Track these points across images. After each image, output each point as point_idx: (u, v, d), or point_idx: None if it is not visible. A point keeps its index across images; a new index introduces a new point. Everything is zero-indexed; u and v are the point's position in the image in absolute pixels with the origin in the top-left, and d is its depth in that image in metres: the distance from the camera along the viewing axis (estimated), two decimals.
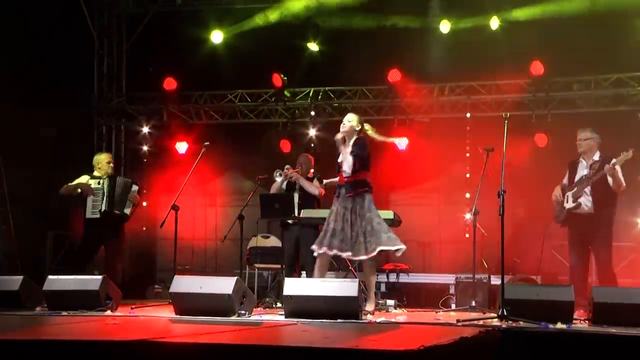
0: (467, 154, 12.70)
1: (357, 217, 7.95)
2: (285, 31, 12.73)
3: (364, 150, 8.07)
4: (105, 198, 9.77)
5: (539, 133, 12.29)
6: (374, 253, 7.89)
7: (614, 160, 8.49)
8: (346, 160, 8.11)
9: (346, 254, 7.98)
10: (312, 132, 13.35)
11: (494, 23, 12.27)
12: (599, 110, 12.12)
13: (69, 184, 9.85)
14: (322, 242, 8.03)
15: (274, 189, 9.90)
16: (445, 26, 12.54)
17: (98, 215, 9.78)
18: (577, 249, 8.82)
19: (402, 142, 13.01)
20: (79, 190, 9.78)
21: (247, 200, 9.88)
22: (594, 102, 12.34)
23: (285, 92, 13.36)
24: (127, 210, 9.97)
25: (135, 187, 10.08)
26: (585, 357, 5.79)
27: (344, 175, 8.11)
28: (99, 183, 9.83)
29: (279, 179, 9.80)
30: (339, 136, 8.12)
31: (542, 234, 10.96)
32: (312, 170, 10.05)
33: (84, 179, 9.89)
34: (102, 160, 10.02)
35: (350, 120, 8.16)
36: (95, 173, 9.96)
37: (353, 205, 7.99)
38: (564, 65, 12.01)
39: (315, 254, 8.11)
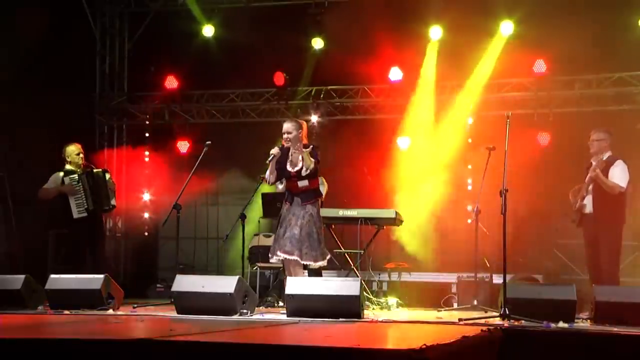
0: (469, 153, 12.69)
1: (305, 224, 8.01)
2: (288, 30, 12.74)
3: (316, 160, 8.13)
4: (89, 196, 9.70)
5: (541, 132, 12.31)
6: (315, 264, 8.03)
7: (593, 165, 8.56)
8: (298, 169, 8.12)
9: (283, 256, 8.02)
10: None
11: (507, 28, 12.30)
12: (601, 109, 12.10)
13: (46, 186, 9.77)
14: (272, 251, 8.17)
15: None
16: (436, 32, 12.57)
17: (86, 214, 9.71)
18: (589, 248, 8.80)
19: (404, 142, 13.05)
20: (60, 191, 9.74)
21: (249, 199, 9.87)
22: (596, 101, 12.34)
23: (287, 91, 13.39)
24: (113, 201, 9.98)
25: (108, 175, 10.02)
26: (587, 356, 5.83)
27: (300, 185, 8.14)
28: (77, 181, 9.72)
29: (280, 186, 9.77)
30: (274, 151, 8.16)
31: (544, 233, 11.03)
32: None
33: (58, 176, 9.76)
34: (72, 153, 9.84)
35: (291, 131, 8.16)
36: (67, 167, 9.82)
37: (303, 213, 8.06)
38: (566, 64, 12.05)
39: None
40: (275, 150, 8.12)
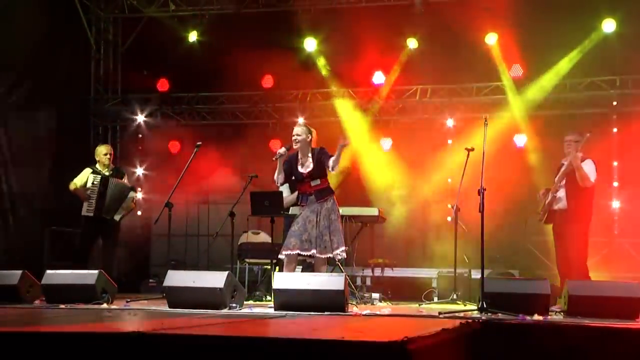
0: (449, 153, 12.90)
1: (322, 218, 8.21)
2: (276, 34, 12.94)
3: (325, 160, 8.31)
4: (96, 201, 9.91)
5: (517, 133, 12.60)
6: (338, 251, 8.19)
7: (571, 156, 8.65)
8: (310, 170, 8.32)
9: (310, 252, 8.19)
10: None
11: (492, 39, 12.58)
12: (574, 112, 12.38)
13: (73, 181, 10.03)
14: (286, 246, 8.30)
15: (287, 203, 9.90)
16: (412, 42, 12.87)
17: (92, 214, 9.93)
18: (558, 243, 8.93)
19: (386, 143, 13.29)
20: (74, 193, 10.02)
21: (238, 198, 10.03)
22: (569, 104, 12.61)
23: (274, 94, 13.60)
24: (117, 217, 10.07)
25: (132, 194, 10.21)
26: (561, 347, 5.95)
27: (312, 184, 8.33)
28: (93, 183, 9.94)
29: (285, 191, 9.94)
30: (281, 150, 8.36)
31: (519, 230, 11.23)
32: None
33: (86, 172, 10.05)
34: (100, 153, 10.14)
35: (300, 134, 8.36)
36: (97, 166, 10.11)
37: (320, 209, 8.25)
38: (540, 69, 12.35)
39: (281, 256, 8.37)
40: (282, 150, 8.27)
